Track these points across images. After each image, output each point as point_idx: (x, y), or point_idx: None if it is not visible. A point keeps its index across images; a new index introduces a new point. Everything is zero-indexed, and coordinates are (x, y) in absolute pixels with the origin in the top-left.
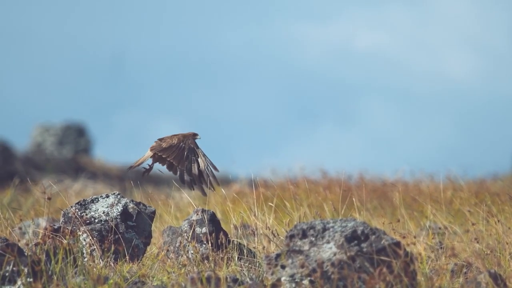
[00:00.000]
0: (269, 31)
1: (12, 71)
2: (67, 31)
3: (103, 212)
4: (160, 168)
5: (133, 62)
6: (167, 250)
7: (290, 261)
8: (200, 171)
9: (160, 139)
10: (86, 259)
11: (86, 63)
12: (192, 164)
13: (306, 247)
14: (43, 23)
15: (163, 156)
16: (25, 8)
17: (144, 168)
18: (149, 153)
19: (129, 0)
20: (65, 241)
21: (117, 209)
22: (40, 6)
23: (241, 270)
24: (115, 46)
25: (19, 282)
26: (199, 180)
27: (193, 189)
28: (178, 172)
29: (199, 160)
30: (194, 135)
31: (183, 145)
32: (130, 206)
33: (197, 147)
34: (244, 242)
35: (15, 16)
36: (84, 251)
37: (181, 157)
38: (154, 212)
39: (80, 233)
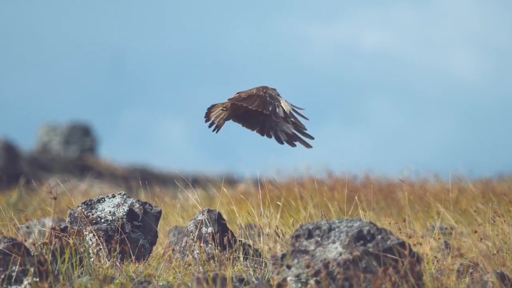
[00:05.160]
0: (275, 29)
1: (18, 71)
2: (72, 30)
3: (109, 212)
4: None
5: (138, 60)
6: (173, 250)
7: (296, 261)
8: (285, 113)
9: (239, 92)
10: (92, 259)
11: (91, 62)
12: (277, 109)
13: (312, 247)
14: (48, 22)
15: (244, 104)
16: (28, 7)
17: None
18: (226, 102)
19: None
20: (71, 241)
21: (123, 209)
22: (44, 4)
23: (247, 270)
24: (120, 44)
25: (25, 282)
26: (285, 123)
27: (293, 144)
28: (272, 132)
29: (282, 104)
30: (273, 90)
31: (263, 94)
32: (136, 206)
33: (279, 95)
34: (250, 242)
35: (19, 15)
36: (90, 251)
37: (264, 103)
38: (160, 212)
39: (86, 233)
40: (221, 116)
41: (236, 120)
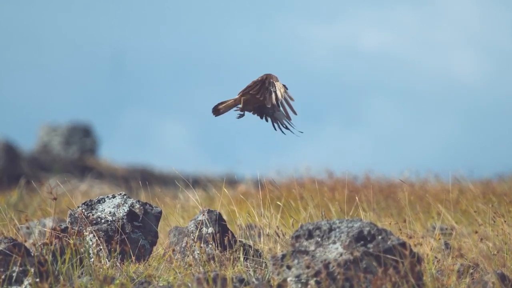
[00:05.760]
0: (274, 30)
1: (18, 71)
2: (71, 30)
3: (110, 213)
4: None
5: (138, 61)
6: (173, 251)
7: (296, 261)
8: (277, 100)
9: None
10: (92, 260)
11: (91, 62)
12: (270, 96)
13: (312, 248)
14: (47, 22)
15: (248, 91)
16: (28, 7)
17: (240, 114)
18: (236, 97)
19: None
20: (71, 242)
21: (124, 209)
22: (44, 4)
23: (247, 270)
24: (120, 44)
25: (25, 282)
26: (277, 109)
27: (282, 131)
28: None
29: (277, 90)
30: (274, 77)
31: (264, 79)
32: (136, 207)
33: (277, 80)
34: (250, 242)
35: (19, 15)
36: (91, 251)
37: (264, 89)
38: (160, 213)
39: (87, 233)
40: (230, 106)
41: (248, 110)
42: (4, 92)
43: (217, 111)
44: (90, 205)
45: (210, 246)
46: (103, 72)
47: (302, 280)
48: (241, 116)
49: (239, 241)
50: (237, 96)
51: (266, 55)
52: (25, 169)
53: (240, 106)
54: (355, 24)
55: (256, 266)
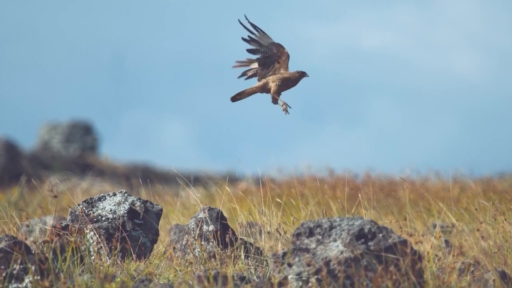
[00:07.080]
0: (275, 30)
1: (18, 70)
2: (72, 29)
3: (110, 210)
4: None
5: (139, 60)
6: (174, 248)
7: (297, 259)
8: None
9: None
10: (93, 257)
11: (92, 61)
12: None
13: (313, 246)
14: (48, 22)
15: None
16: (29, 7)
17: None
18: (254, 87)
19: None
20: (72, 239)
21: (124, 207)
22: (44, 4)
23: (248, 268)
24: (120, 44)
25: (26, 280)
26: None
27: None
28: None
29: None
30: (302, 74)
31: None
32: (137, 204)
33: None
34: (251, 240)
35: (19, 15)
36: (91, 249)
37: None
38: (161, 210)
39: (87, 231)
40: (249, 93)
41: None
42: (4, 91)
43: (235, 98)
44: (90, 203)
45: (211, 244)
46: (103, 71)
47: (303, 278)
48: (287, 111)
49: (240, 239)
50: (255, 86)
51: None
52: (26, 167)
53: (281, 101)
54: (356, 24)
55: (257, 264)
